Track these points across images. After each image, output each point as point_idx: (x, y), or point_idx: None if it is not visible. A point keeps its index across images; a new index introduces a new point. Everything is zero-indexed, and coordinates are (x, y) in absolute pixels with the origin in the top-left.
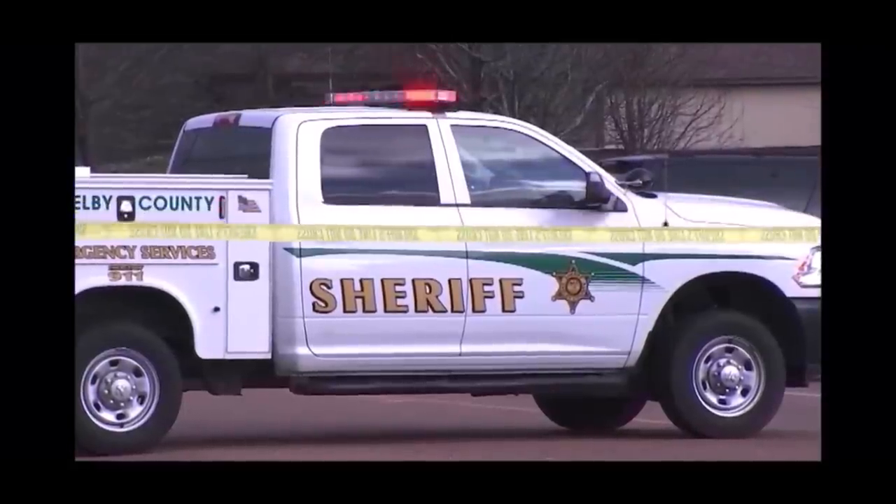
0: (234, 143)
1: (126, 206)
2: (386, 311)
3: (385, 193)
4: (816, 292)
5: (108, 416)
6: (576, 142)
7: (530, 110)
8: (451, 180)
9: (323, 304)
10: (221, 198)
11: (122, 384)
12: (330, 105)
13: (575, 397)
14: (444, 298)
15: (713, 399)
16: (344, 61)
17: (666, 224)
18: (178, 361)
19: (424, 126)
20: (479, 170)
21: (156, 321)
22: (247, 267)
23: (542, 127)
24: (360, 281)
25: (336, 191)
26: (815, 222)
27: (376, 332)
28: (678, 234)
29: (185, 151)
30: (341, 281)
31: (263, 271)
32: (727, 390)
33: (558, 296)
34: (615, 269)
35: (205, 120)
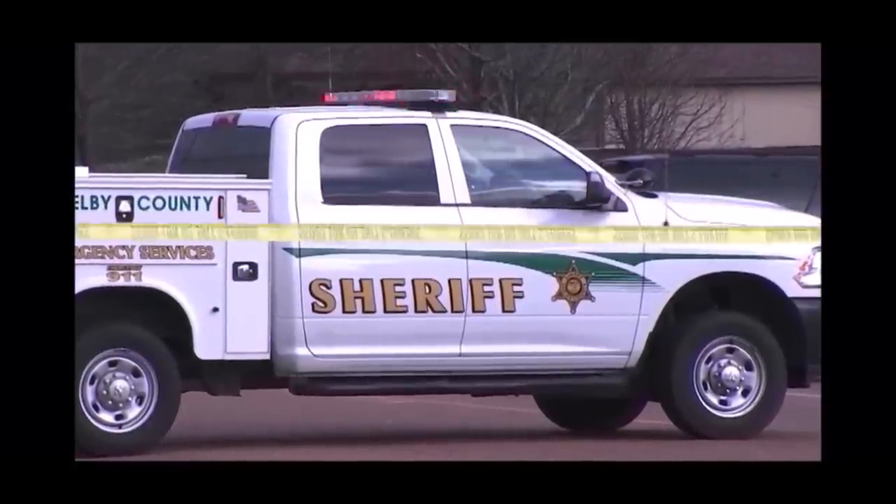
0: (233, 143)
1: (125, 206)
2: (385, 311)
3: (385, 193)
4: (817, 292)
5: (107, 416)
6: (576, 141)
7: (530, 110)
8: (451, 180)
9: (322, 305)
10: (220, 198)
11: (121, 385)
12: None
13: (575, 398)
14: (444, 299)
15: (714, 400)
16: (343, 61)
17: (666, 224)
18: (176, 362)
19: (424, 126)
20: (479, 169)
21: (154, 322)
22: (246, 267)
23: (542, 126)
24: (360, 281)
25: (335, 191)
26: (817, 222)
27: (376, 333)
28: (681, 233)
29: (183, 151)
30: (340, 281)
31: (262, 271)
32: (728, 391)
33: (558, 296)
34: (616, 270)
35: (204, 119)
